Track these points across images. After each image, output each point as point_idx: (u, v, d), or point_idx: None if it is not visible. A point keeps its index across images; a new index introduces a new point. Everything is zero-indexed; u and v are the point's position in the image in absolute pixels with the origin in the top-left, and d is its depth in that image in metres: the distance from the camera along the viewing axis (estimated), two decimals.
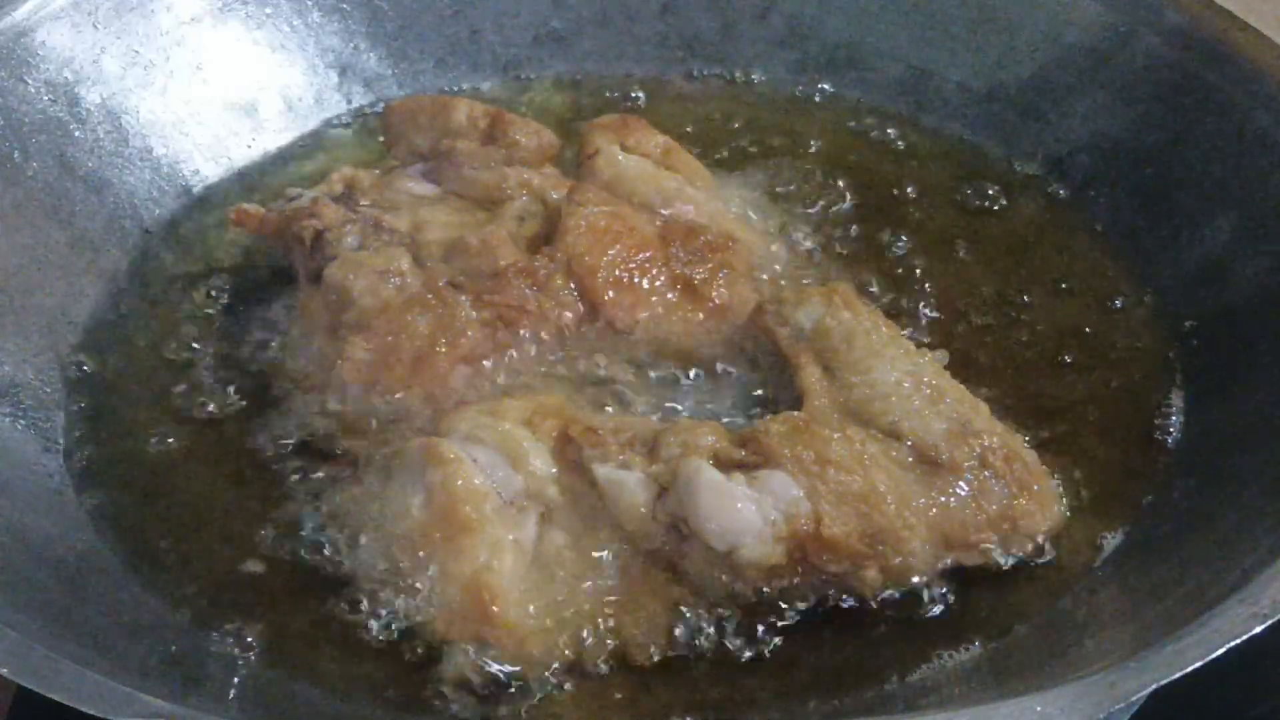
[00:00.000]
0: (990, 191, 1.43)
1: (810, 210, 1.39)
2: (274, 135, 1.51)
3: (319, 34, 1.55)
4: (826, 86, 1.58)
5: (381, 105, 1.50)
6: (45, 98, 1.34)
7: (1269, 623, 0.84)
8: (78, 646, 0.90)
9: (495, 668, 0.96)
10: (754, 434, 1.01)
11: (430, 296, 1.16)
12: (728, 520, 0.95)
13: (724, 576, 0.98)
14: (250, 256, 1.35)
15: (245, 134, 1.50)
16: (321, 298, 1.19)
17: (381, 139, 1.41)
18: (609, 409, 1.13)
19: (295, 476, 1.11)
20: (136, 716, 0.79)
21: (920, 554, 1.00)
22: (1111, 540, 1.07)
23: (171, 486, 1.13)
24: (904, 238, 1.36)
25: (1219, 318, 1.23)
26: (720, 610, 0.99)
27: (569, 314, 1.17)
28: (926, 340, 1.22)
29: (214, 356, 1.23)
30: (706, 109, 1.57)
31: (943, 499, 1.01)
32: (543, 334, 1.16)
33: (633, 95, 1.59)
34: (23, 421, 1.16)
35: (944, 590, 1.02)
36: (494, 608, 0.95)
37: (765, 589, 0.99)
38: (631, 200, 1.27)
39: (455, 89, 1.59)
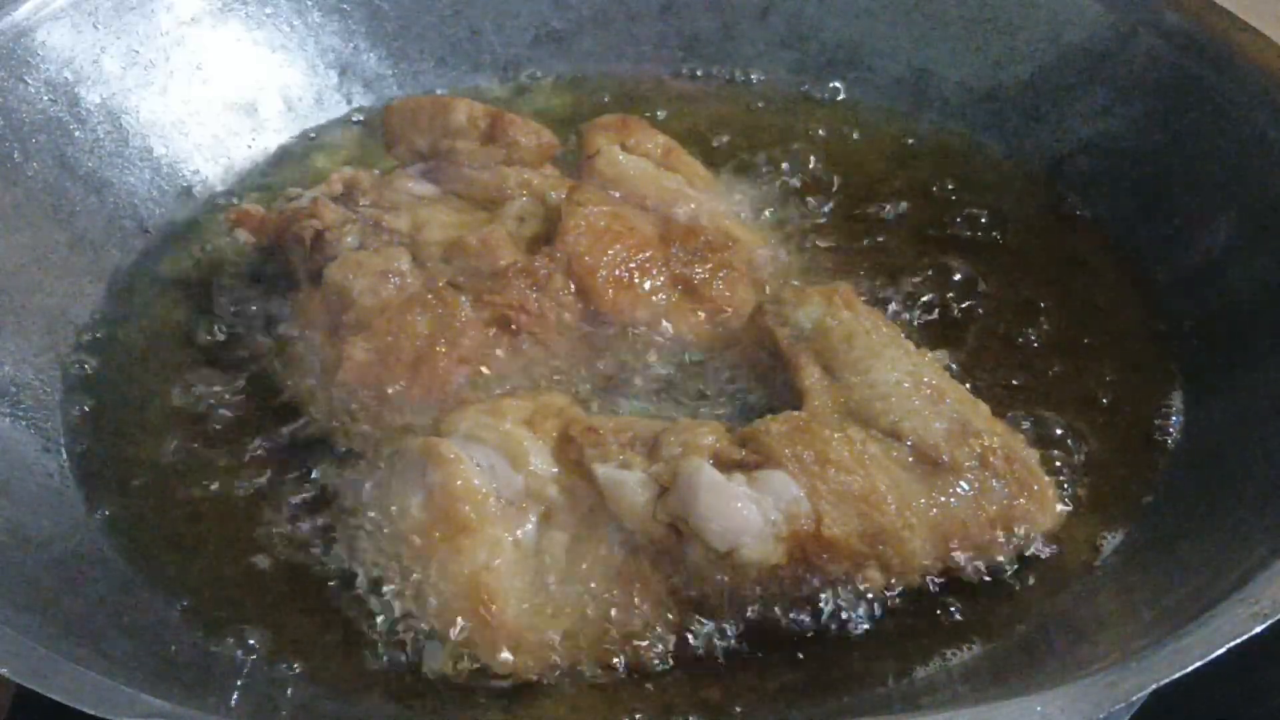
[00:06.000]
0: (990, 192, 1.43)
1: (810, 210, 1.39)
2: (274, 135, 1.52)
3: (319, 34, 1.56)
4: (826, 86, 1.58)
5: (381, 105, 1.50)
6: (45, 98, 1.35)
7: (1269, 623, 0.84)
8: (78, 646, 0.90)
9: (494, 668, 0.96)
10: (754, 434, 1.01)
11: (430, 296, 1.16)
12: (728, 520, 0.95)
13: (724, 576, 0.98)
14: (250, 256, 1.35)
15: (245, 134, 1.50)
16: (321, 298, 1.19)
17: (382, 139, 1.41)
18: (609, 409, 1.13)
19: (295, 476, 1.11)
20: (136, 716, 0.79)
21: (920, 554, 1.00)
22: (1111, 540, 1.07)
23: (172, 486, 1.13)
24: (903, 238, 1.36)
25: (1219, 318, 1.23)
26: (720, 610, 0.99)
27: (569, 314, 1.17)
28: (926, 340, 1.21)
29: (214, 357, 1.24)
30: (706, 109, 1.57)
31: (943, 499, 1.01)
32: (543, 334, 1.16)
33: (633, 95, 1.59)
34: (23, 421, 1.16)
35: (944, 590, 1.02)
36: (493, 607, 0.95)
37: (765, 589, 0.99)
38: (631, 200, 1.27)
39: (455, 89, 1.59)
